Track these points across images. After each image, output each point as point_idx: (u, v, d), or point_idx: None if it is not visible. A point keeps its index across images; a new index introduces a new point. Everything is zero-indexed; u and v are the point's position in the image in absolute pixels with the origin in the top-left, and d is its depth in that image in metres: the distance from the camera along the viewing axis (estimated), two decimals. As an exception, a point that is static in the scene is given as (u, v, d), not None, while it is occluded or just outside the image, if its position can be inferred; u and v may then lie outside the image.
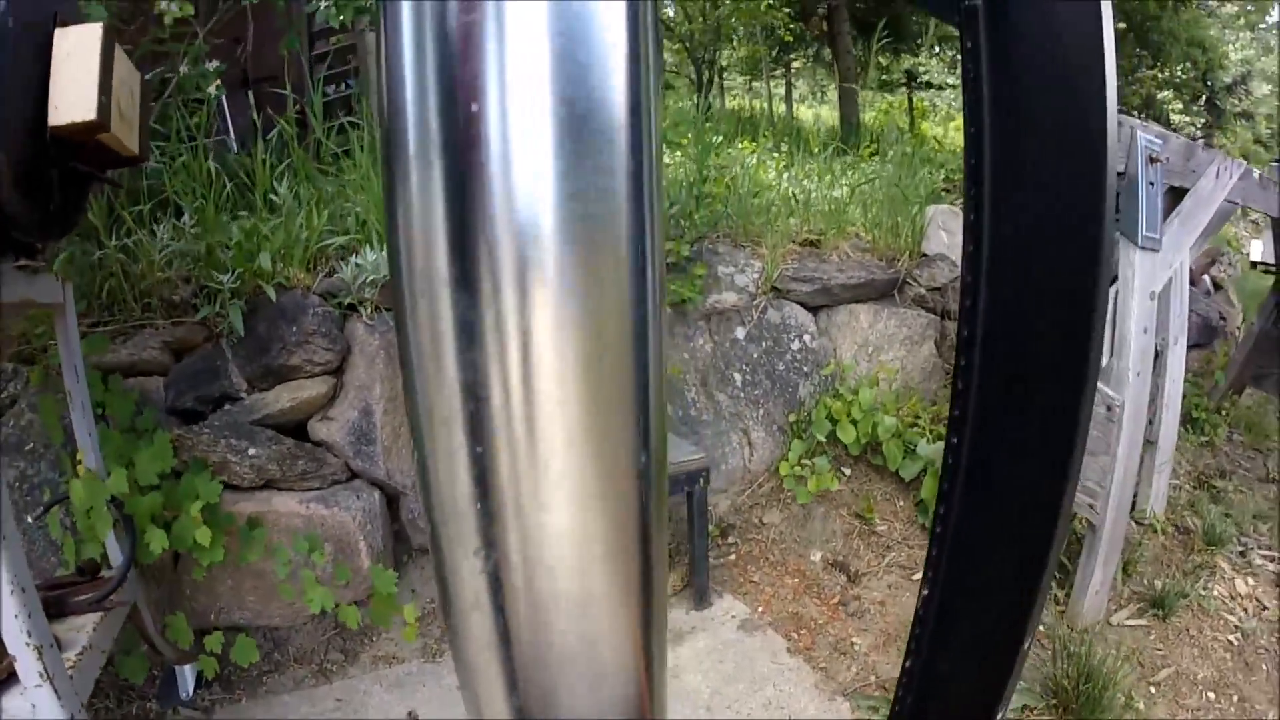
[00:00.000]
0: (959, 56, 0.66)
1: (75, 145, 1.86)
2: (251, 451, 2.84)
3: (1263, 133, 23.85)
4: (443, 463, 0.50)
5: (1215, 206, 3.48)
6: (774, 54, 16.77)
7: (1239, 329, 6.60)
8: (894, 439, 3.68)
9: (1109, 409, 2.91)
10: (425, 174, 0.41)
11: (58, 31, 1.74)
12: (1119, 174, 3.00)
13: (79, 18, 1.92)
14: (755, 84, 17.78)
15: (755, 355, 3.91)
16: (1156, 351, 3.54)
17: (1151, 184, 2.97)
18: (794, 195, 4.86)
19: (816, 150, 7.57)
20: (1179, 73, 20.57)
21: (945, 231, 4.56)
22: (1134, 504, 3.69)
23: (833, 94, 19.92)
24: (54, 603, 2.14)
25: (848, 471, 3.86)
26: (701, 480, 3.21)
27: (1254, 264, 22.21)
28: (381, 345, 3.05)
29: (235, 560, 2.78)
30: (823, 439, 3.75)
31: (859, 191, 5.14)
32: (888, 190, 5.05)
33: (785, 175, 6.15)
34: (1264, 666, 3.11)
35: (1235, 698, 2.99)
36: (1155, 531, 3.82)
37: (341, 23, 3.86)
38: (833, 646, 3.24)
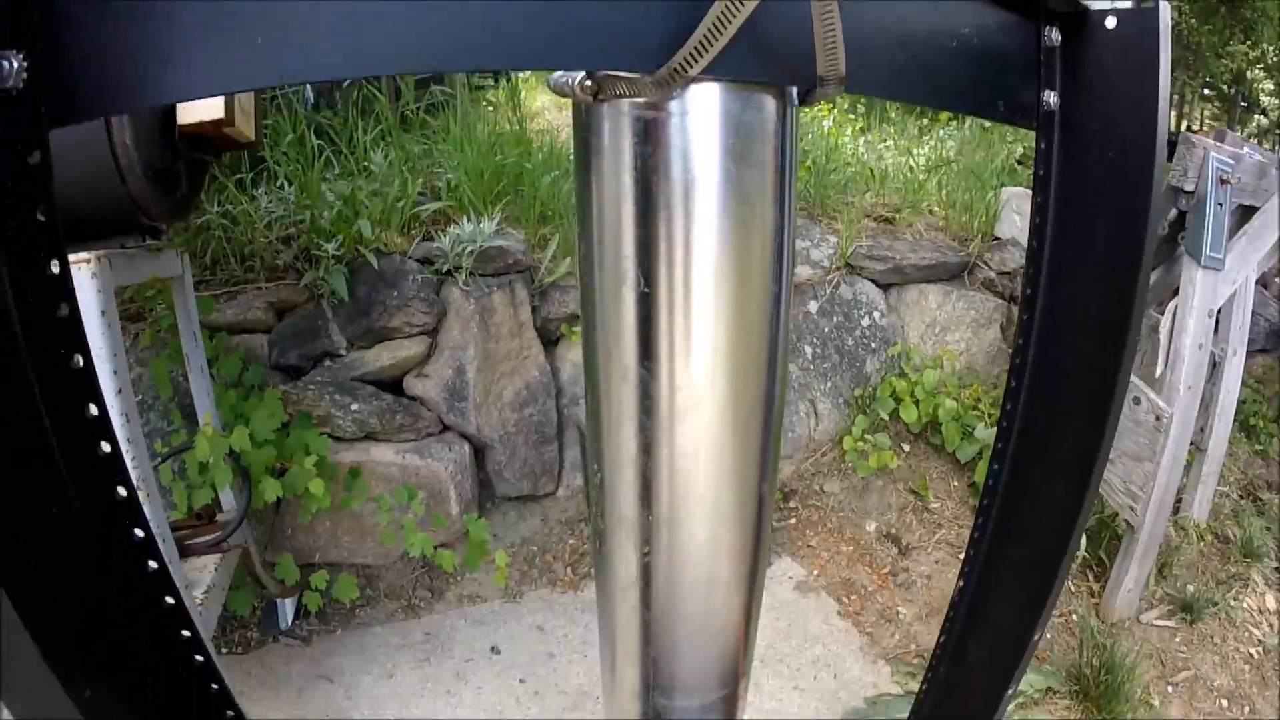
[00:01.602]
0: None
1: (200, 138, 2.10)
2: (354, 407, 3.15)
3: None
4: (620, 482, 0.74)
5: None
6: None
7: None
8: (954, 421, 3.90)
9: (1157, 419, 3.08)
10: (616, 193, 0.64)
11: None
12: (1189, 192, 3.16)
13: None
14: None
15: (826, 329, 4.12)
16: (1214, 361, 3.72)
17: (1220, 204, 3.11)
18: (871, 170, 5.04)
19: (893, 115, 7.69)
20: (1273, 52, 19.83)
21: (1019, 215, 4.70)
22: (1178, 508, 3.87)
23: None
24: (178, 546, 2.49)
25: (907, 448, 4.07)
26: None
27: None
28: (476, 309, 3.32)
29: (337, 506, 3.13)
30: (885, 416, 3.99)
31: (936, 170, 5.31)
32: (964, 170, 5.23)
33: (862, 141, 6.32)
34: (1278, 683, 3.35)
35: (1247, 709, 3.16)
36: (1196, 537, 3.98)
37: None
38: (880, 613, 3.50)
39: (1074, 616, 3.50)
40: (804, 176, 4.52)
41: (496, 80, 7.31)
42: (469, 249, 3.26)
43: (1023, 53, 0.77)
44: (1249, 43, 18.55)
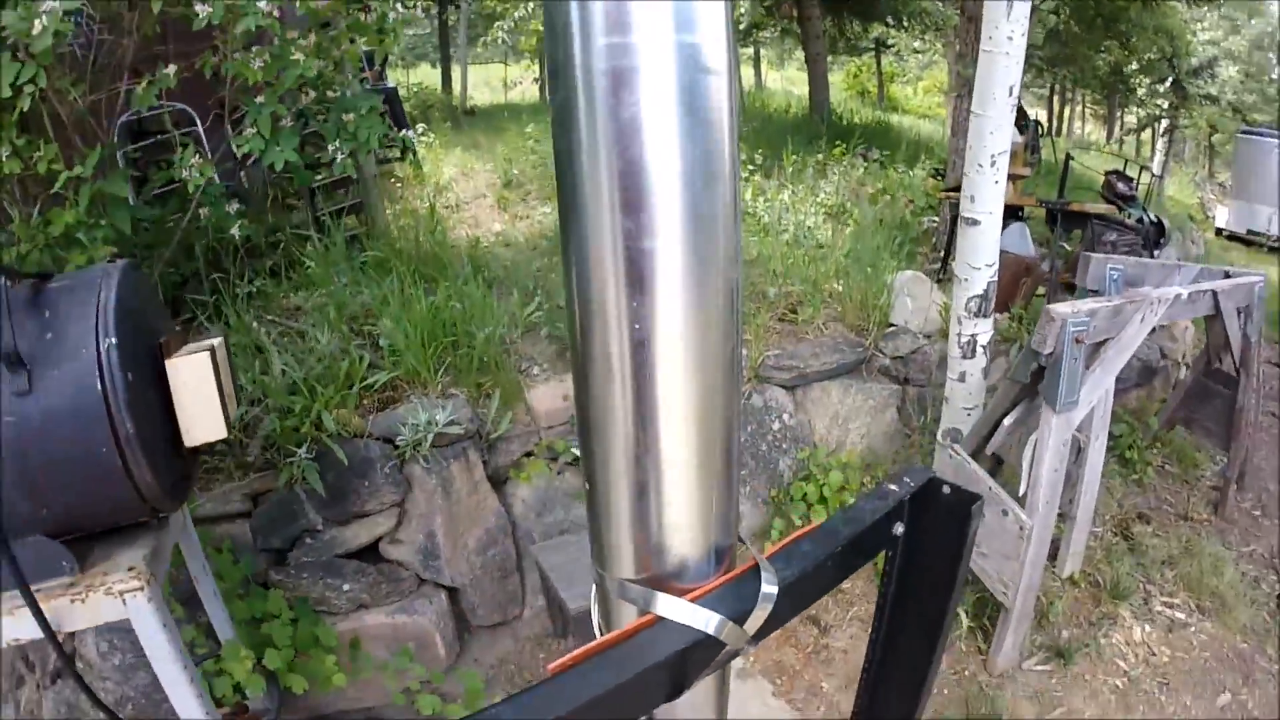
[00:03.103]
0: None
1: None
2: (346, 587, 3.79)
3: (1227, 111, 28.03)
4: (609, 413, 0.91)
5: (1136, 346, 4.35)
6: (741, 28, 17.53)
7: (1183, 360, 7.43)
8: (859, 513, 4.67)
9: (1020, 529, 3.85)
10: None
11: (169, 364, 2.33)
12: (1048, 355, 3.90)
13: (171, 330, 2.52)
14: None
15: (741, 438, 4.86)
16: (1079, 446, 4.49)
17: (1075, 358, 3.88)
18: (774, 269, 5.73)
19: (790, 162, 8.53)
20: (1148, 55, 22.32)
21: (910, 298, 5.42)
22: (1053, 558, 4.68)
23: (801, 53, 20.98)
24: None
25: None
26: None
27: (1218, 231, 22.73)
28: (437, 482, 3.99)
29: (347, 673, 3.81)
30: (798, 520, 4.71)
31: (835, 260, 6.01)
32: (860, 257, 5.99)
33: (760, 201, 7.12)
34: (1141, 708, 4.12)
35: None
36: (1069, 586, 4.75)
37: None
38: (807, 689, 4.21)
39: (966, 672, 4.27)
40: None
41: (403, 155, 7.90)
42: (427, 436, 3.92)
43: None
44: (1124, 52, 20.50)
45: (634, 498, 0.94)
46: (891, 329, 5.36)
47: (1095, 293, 4.69)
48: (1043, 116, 41.59)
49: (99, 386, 2.12)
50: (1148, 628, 4.64)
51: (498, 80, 22.60)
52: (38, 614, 2.13)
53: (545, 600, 4.41)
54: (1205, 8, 23.03)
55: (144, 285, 2.50)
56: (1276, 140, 29.60)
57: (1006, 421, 4.24)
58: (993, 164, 4.27)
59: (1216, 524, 5.95)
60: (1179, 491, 6.29)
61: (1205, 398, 6.44)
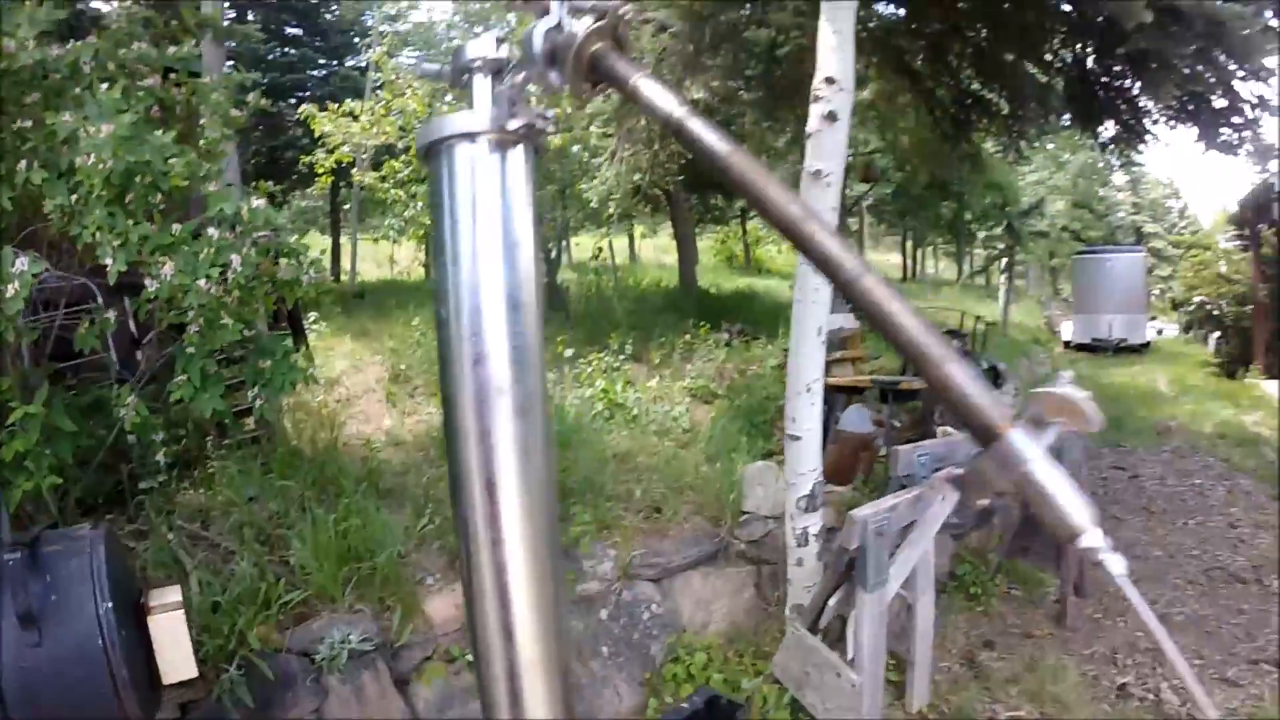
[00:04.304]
0: None
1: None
2: (284, 799, 4.46)
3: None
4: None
5: (938, 525, 5.35)
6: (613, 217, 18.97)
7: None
8: (724, 686, 5.43)
9: (852, 685, 4.72)
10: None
11: (151, 620, 3.05)
12: (858, 547, 4.84)
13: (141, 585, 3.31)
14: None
15: (615, 631, 5.57)
16: (909, 604, 5.42)
17: (880, 548, 4.82)
18: (640, 463, 6.64)
19: (657, 350, 9.63)
20: (982, 206, 26.71)
21: (761, 486, 6.36)
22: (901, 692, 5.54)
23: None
24: None
25: None
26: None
27: (1066, 344, 25.65)
28: (351, 691, 4.67)
29: None
30: (670, 699, 5.47)
31: (696, 451, 6.98)
32: (715, 446, 6.95)
33: (630, 391, 8.11)
34: None
35: None
36: (921, 715, 5.60)
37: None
38: None
39: None
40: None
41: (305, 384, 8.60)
42: (342, 652, 4.61)
43: None
44: (959, 207, 24.13)
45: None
46: (745, 516, 6.26)
47: (909, 477, 5.67)
48: (899, 260, 45.83)
49: (99, 642, 2.85)
50: None
51: (385, 256, 23.74)
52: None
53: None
54: (1029, 156, 26.87)
55: (119, 547, 3.26)
56: (1105, 256, 33.73)
57: (831, 602, 5.13)
58: (808, 390, 5.33)
59: (1060, 635, 6.93)
60: (1024, 613, 7.29)
61: (1035, 530, 7.36)
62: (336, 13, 22.53)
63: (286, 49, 21.19)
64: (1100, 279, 31.90)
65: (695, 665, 5.50)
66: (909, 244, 44.28)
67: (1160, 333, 37.16)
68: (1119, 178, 61.99)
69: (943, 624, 6.82)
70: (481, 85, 1.03)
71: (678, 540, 5.99)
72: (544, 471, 1.06)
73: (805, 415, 5.51)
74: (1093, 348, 30.02)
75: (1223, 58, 10.44)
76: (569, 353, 9.39)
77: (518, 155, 1.01)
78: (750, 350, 11.02)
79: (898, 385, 8.57)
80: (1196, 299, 28.79)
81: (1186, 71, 10.37)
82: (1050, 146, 34.36)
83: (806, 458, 5.57)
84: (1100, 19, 9.20)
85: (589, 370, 9.00)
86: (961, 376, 0.80)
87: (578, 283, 18.18)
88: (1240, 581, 8.47)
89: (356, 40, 22.55)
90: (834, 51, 5.52)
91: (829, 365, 7.54)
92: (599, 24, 0.96)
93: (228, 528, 5.29)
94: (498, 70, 1.03)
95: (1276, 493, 11.53)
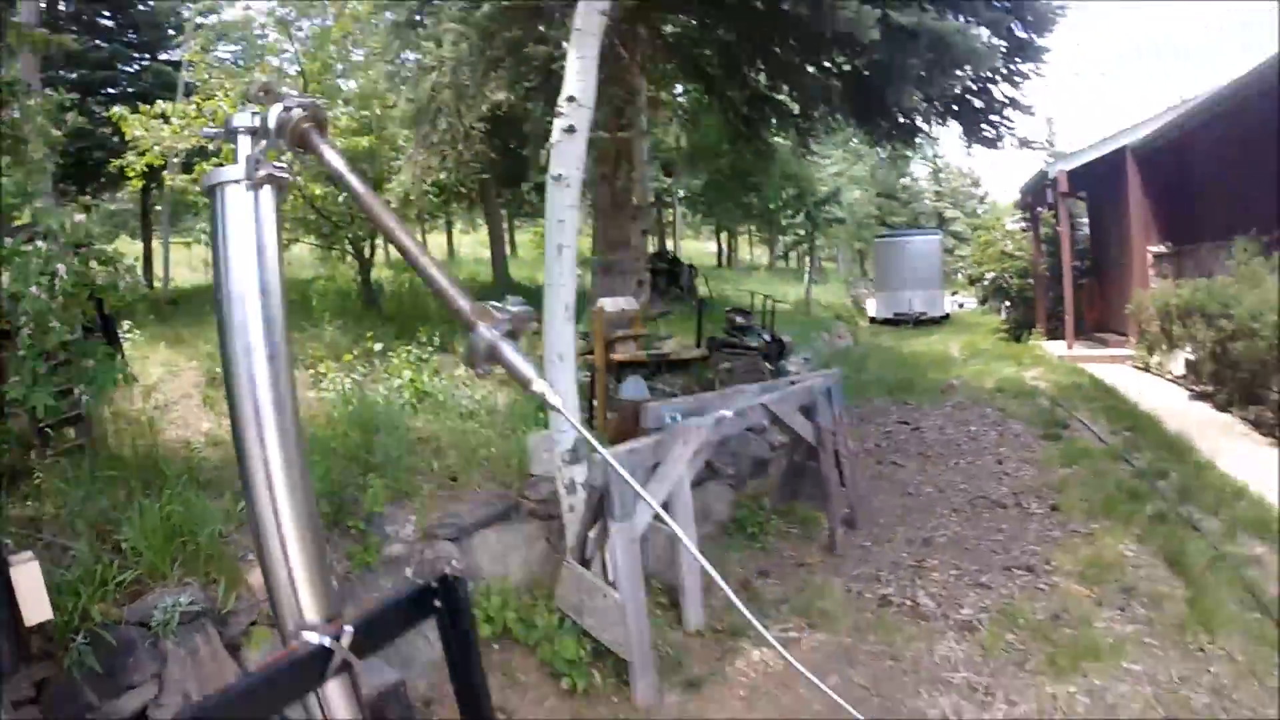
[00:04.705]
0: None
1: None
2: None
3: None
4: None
5: (684, 464, 6.38)
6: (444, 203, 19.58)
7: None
8: (519, 623, 6.30)
9: (617, 604, 5.67)
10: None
11: (12, 570, 3.82)
12: (604, 484, 5.78)
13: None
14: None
15: (423, 587, 6.41)
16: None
17: (620, 488, 5.80)
18: (442, 443, 7.49)
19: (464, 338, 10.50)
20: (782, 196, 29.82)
21: (546, 452, 7.25)
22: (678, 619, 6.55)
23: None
24: None
25: (497, 647, 6.39)
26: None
27: (872, 319, 28.19)
28: (186, 653, 5.34)
29: None
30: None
31: (494, 427, 7.87)
32: (526, 417, 7.86)
33: (437, 380, 8.95)
34: (761, 706, 5.69)
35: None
36: (698, 636, 6.57)
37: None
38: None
39: (621, 713, 5.81)
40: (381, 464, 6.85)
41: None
42: (174, 616, 5.29)
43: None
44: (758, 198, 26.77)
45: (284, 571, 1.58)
46: (533, 479, 7.16)
47: (659, 430, 6.69)
48: (713, 248, 48.86)
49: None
50: (764, 651, 6.43)
51: (199, 260, 23.79)
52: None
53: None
54: (822, 150, 29.91)
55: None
56: (903, 238, 37.02)
57: (591, 534, 6.08)
58: (560, 359, 6.34)
59: (830, 562, 8.09)
60: (799, 547, 8.48)
61: (801, 474, 8.79)
62: (151, 4, 22.02)
63: (98, 42, 20.58)
64: (900, 259, 35.03)
65: (493, 608, 6.32)
66: (724, 233, 47.70)
67: (961, 306, 40.67)
68: (922, 169, 66.59)
69: (723, 559, 7.95)
70: (244, 143, 1.53)
71: (473, 504, 6.85)
72: (290, 404, 1.57)
73: (560, 379, 6.50)
74: (896, 321, 32.83)
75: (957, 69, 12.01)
76: (379, 347, 10.15)
77: (266, 193, 1.52)
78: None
79: (668, 357, 9.66)
80: (989, 275, 31.67)
81: (923, 75, 11.79)
82: (854, 142, 37.18)
83: (565, 421, 6.47)
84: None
85: (396, 362, 9.81)
86: (454, 293, 1.48)
87: (392, 280, 18.91)
88: (1001, 507, 9.84)
89: (171, 33, 22.08)
90: (577, 75, 6.61)
91: (613, 343, 8.56)
92: (305, 113, 1.63)
93: (60, 525, 5.88)
94: (253, 133, 1.53)
95: (1042, 433, 13.10)
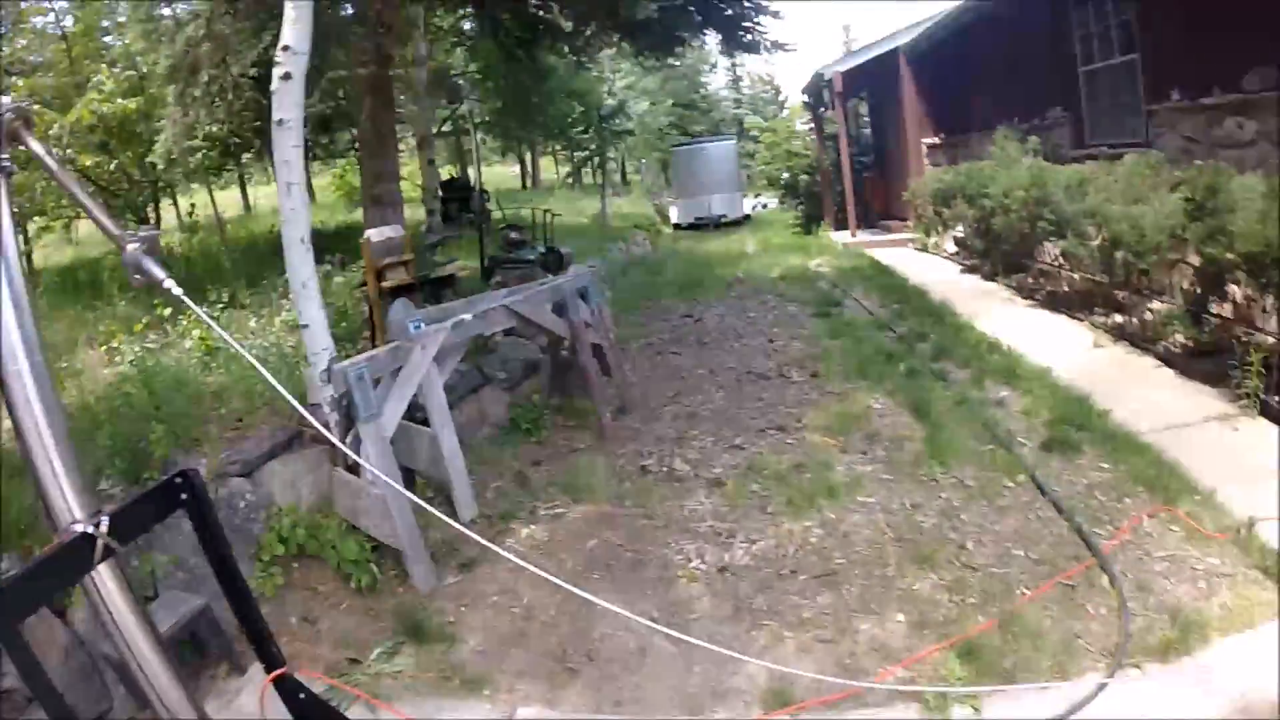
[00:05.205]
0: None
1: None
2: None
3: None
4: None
5: (428, 366, 7.07)
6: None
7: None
8: (311, 540, 6.91)
9: (379, 499, 6.40)
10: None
11: None
12: (345, 390, 6.44)
13: None
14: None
15: (220, 522, 6.93)
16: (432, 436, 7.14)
17: (365, 388, 6.51)
18: (230, 392, 8.02)
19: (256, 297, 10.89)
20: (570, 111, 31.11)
21: (320, 383, 7.83)
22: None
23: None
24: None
25: (296, 566, 6.92)
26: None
27: (676, 226, 29.90)
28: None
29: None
30: (268, 559, 6.80)
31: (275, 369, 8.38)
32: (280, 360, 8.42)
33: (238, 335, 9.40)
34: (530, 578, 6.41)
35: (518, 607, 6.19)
36: (472, 524, 7.25)
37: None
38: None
39: (405, 599, 6.50)
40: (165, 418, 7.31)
41: None
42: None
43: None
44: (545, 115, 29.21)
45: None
46: (313, 407, 7.70)
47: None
48: (518, 170, 50.12)
49: None
50: (533, 527, 7.32)
51: None
52: None
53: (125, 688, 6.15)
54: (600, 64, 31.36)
55: None
56: (700, 145, 38.63)
57: (348, 439, 6.76)
58: (304, 286, 7.04)
59: (600, 447, 8.95)
60: (572, 437, 9.34)
61: (564, 370, 9.82)
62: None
63: None
64: (697, 166, 36.31)
65: (285, 529, 6.89)
66: (528, 156, 48.97)
67: (765, 207, 42.57)
68: (720, 78, 68.27)
69: (499, 456, 8.79)
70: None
71: (258, 439, 7.39)
72: (38, 346, 2.12)
73: (307, 307, 7.22)
74: (698, 226, 34.20)
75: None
76: (168, 311, 10.43)
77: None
78: (347, 275, 12.73)
79: (430, 276, 10.33)
80: (784, 175, 33.29)
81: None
82: (648, 58, 38.66)
83: (318, 340, 7.27)
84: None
85: (186, 324, 10.12)
86: (108, 225, 2.26)
87: (183, 243, 19.09)
88: (765, 379, 10.92)
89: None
90: (292, 24, 7.12)
91: (384, 270, 9.16)
92: (14, 113, 2.20)
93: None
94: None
95: (814, 311, 14.22)
